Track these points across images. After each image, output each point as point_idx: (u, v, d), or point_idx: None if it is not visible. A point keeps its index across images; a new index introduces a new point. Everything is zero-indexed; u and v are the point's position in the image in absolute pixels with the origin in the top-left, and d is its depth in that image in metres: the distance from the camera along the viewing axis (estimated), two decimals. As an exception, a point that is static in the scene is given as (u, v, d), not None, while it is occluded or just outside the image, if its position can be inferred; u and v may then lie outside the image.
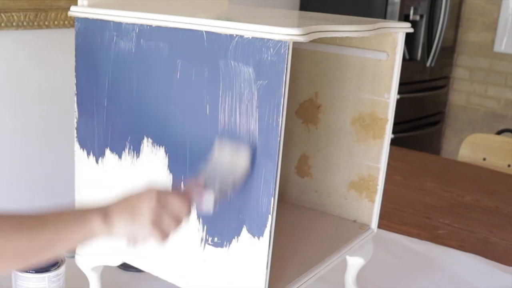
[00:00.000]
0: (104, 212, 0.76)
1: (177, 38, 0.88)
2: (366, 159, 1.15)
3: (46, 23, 2.01)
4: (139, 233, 0.76)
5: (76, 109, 1.04)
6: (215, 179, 0.79)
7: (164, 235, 0.77)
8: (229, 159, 0.81)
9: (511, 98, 3.69)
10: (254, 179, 0.84)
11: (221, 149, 0.82)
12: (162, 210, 0.76)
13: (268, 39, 0.78)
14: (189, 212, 0.79)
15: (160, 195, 0.77)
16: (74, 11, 0.99)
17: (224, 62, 0.84)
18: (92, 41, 0.98)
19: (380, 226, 1.23)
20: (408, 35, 1.09)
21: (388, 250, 1.42)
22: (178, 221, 0.78)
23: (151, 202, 0.76)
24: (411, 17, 3.13)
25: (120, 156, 0.99)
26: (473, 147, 2.31)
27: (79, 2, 0.99)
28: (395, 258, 1.39)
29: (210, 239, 0.90)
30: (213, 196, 0.78)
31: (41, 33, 2.02)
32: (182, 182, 0.86)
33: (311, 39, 0.79)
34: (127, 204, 0.77)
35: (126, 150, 0.98)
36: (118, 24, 0.94)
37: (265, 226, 0.84)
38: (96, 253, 1.07)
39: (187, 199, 0.79)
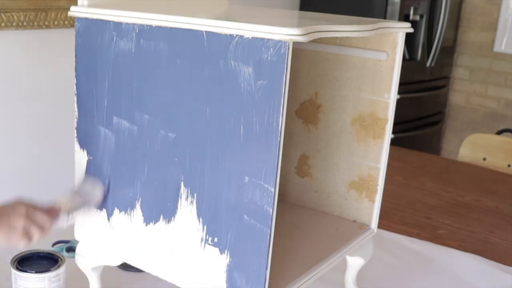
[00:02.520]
0: None
1: (177, 38, 0.88)
2: (366, 159, 1.15)
3: (46, 23, 2.01)
4: (11, 240, 0.92)
5: (76, 109, 1.04)
6: (72, 205, 1.00)
7: (29, 241, 0.94)
8: (88, 191, 1.02)
9: (511, 98, 3.69)
10: (254, 179, 0.84)
11: (83, 182, 1.03)
12: (30, 221, 0.93)
13: (268, 39, 0.79)
14: (50, 224, 0.96)
15: (28, 208, 0.95)
16: (74, 11, 0.99)
17: (224, 62, 0.84)
18: (92, 41, 0.98)
19: (380, 226, 1.23)
20: (408, 35, 1.09)
21: (388, 250, 1.42)
22: (42, 230, 0.95)
23: (22, 214, 0.93)
24: (411, 17, 3.13)
25: (120, 156, 0.99)
26: (473, 147, 2.31)
27: (79, 2, 0.99)
28: (395, 258, 1.39)
29: (210, 239, 0.91)
30: (66, 218, 0.99)
31: (41, 33, 2.03)
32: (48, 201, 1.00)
33: (311, 39, 0.79)
34: (2, 214, 0.93)
35: (126, 150, 0.98)
36: (118, 24, 0.94)
37: (265, 226, 0.84)
38: (96, 253, 1.07)
39: (49, 213, 0.97)
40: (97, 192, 1.02)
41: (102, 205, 1.03)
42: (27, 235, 0.93)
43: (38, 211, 0.95)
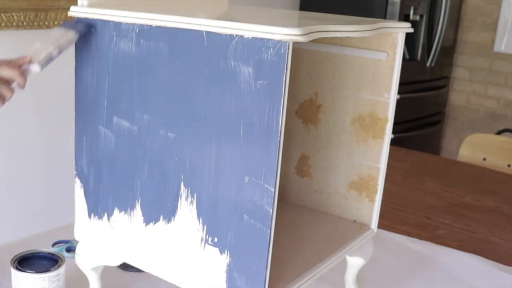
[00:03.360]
0: None
1: (177, 38, 0.88)
2: (366, 159, 1.15)
3: (46, 23, 2.01)
4: None
5: (75, 109, 1.04)
6: (44, 53, 0.93)
7: (2, 101, 0.88)
8: (60, 37, 0.96)
9: (511, 98, 3.69)
10: (254, 179, 0.84)
11: (55, 30, 0.96)
12: None
13: (268, 39, 0.79)
14: (21, 74, 0.89)
15: None
16: (74, 11, 0.99)
17: (224, 62, 0.84)
18: (92, 41, 0.98)
19: (380, 226, 1.23)
20: (408, 35, 1.09)
21: (388, 250, 1.42)
22: (8, 85, 0.88)
23: None
24: (411, 17, 3.13)
25: (120, 156, 0.99)
26: (473, 147, 2.32)
27: (79, 2, 0.99)
28: (395, 258, 1.39)
29: (210, 239, 0.91)
30: (38, 65, 0.92)
31: (41, 33, 2.03)
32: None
33: (311, 39, 0.79)
34: None
35: (126, 150, 0.98)
36: (118, 24, 0.94)
37: (265, 226, 0.84)
38: (96, 253, 1.07)
39: (16, 65, 0.89)
40: (69, 35, 0.96)
41: (101, 203, 1.03)
42: None
43: (2, 66, 0.89)
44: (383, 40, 1.08)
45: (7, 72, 0.88)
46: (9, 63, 0.89)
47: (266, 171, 0.82)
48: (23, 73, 0.90)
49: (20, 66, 0.90)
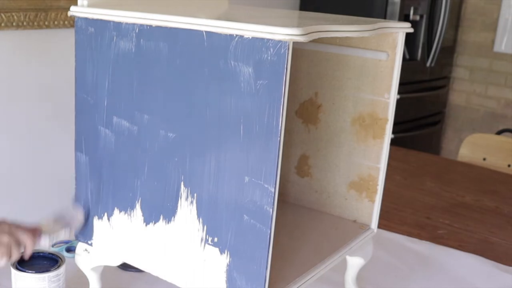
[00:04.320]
0: None
1: (177, 38, 0.88)
2: (366, 159, 1.15)
3: (46, 23, 2.01)
4: None
5: (75, 109, 1.04)
6: (54, 227, 1.03)
7: (9, 258, 0.97)
8: (69, 215, 1.05)
9: (511, 98, 3.69)
10: (254, 179, 0.84)
11: (65, 207, 1.06)
12: (13, 239, 0.96)
13: (268, 39, 0.79)
14: (32, 243, 0.99)
15: (11, 227, 0.98)
16: (74, 11, 0.99)
17: (224, 62, 0.84)
18: (92, 41, 0.98)
19: (380, 226, 1.23)
20: (408, 35, 1.09)
21: (388, 250, 1.42)
22: (23, 248, 0.98)
23: (5, 232, 0.96)
24: (411, 17, 3.13)
25: (120, 156, 0.99)
26: (473, 147, 2.31)
27: (79, 2, 0.99)
28: (395, 258, 1.39)
29: (210, 239, 0.91)
30: (48, 239, 1.02)
31: (41, 33, 2.03)
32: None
33: (311, 39, 0.79)
34: None
35: (126, 150, 0.98)
36: (118, 24, 0.94)
37: (265, 226, 0.84)
38: (96, 253, 1.07)
39: (31, 233, 0.99)
40: (79, 216, 1.05)
41: (102, 203, 1.04)
42: (9, 253, 0.96)
43: (20, 230, 0.98)
44: (383, 40, 1.08)
45: (25, 238, 0.98)
46: (27, 230, 0.99)
47: (266, 171, 0.82)
48: (31, 243, 0.99)
49: (34, 235, 0.99)
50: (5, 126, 1.99)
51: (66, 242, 1.32)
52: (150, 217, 0.97)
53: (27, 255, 1.00)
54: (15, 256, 0.97)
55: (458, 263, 1.39)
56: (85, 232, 1.07)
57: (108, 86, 0.98)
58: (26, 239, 0.98)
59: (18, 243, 0.97)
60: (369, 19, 1.04)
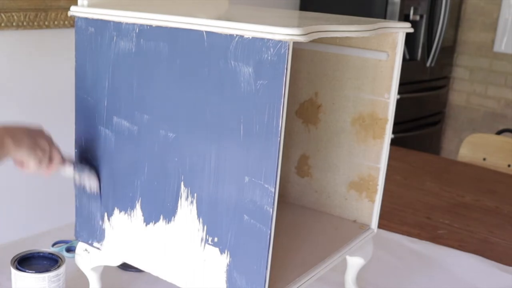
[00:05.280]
0: (11, 133, 0.92)
1: (177, 38, 0.88)
2: (366, 159, 1.15)
3: (46, 23, 2.01)
4: (35, 155, 0.94)
5: (75, 109, 1.04)
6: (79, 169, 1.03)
7: (38, 165, 0.96)
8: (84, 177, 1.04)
9: (511, 98, 3.69)
10: (254, 179, 0.84)
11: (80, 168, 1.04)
12: (48, 149, 0.96)
13: (268, 39, 0.79)
14: (60, 163, 0.99)
15: (50, 139, 0.97)
16: (74, 11, 0.99)
17: (224, 62, 0.84)
18: (92, 41, 0.98)
19: (380, 226, 1.23)
20: (408, 35, 1.09)
21: (388, 250, 1.42)
22: (50, 164, 0.97)
23: (46, 139, 0.96)
24: (411, 17, 3.13)
25: (120, 156, 0.99)
26: (473, 147, 2.31)
27: (79, 2, 0.99)
28: (395, 258, 1.39)
29: (210, 239, 0.91)
30: (72, 171, 1.02)
31: (41, 33, 2.03)
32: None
33: (311, 39, 0.79)
34: (30, 133, 0.94)
35: (126, 150, 0.98)
36: (118, 24, 0.94)
37: (265, 226, 0.84)
38: (96, 253, 1.07)
39: (61, 156, 0.99)
40: (92, 182, 1.04)
41: (102, 203, 1.04)
42: (42, 159, 0.95)
43: (56, 145, 0.98)
44: (383, 40, 1.08)
45: (57, 155, 0.98)
46: (59, 152, 0.99)
47: (266, 171, 0.82)
48: (59, 162, 0.99)
49: (63, 158, 1.00)
50: (5, 126, 1.99)
51: (66, 242, 1.32)
52: (150, 217, 0.97)
53: (49, 172, 0.98)
54: (43, 166, 0.96)
55: (458, 263, 1.39)
56: (86, 232, 1.07)
57: (108, 86, 0.98)
58: (57, 156, 0.98)
59: (51, 157, 0.97)
60: (369, 19, 1.04)
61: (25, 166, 0.96)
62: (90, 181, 1.03)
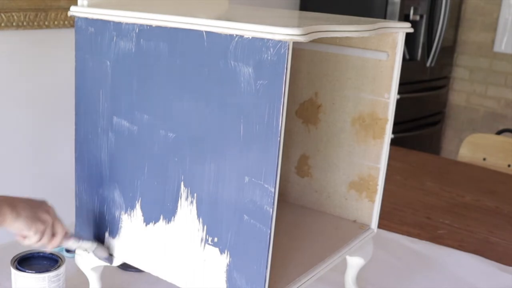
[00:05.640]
0: (11, 203, 0.91)
1: (177, 38, 0.88)
2: (366, 159, 1.15)
3: (46, 23, 2.01)
4: (31, 229, 0.92)
5: (75, 109, 1.04)
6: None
7: (40, 239, 0.94)
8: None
9: (511, 98, 3.69)
10: (254, 179, 0.84)
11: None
12: (53, 222, 0.95)
13: (268, 39, 0.79)
14: (63, 237, 0.98)
15: (53, 212, 0.96)
16: (74, 11, 0.99)
17: (224, 62, 0.84)
18: (92, 41, 0.98)
19: (380, 226, 1.23)
20: (408, 35, 1.09)
21: (388, 250, 1.42)
22: (53, 238, 0.96)
23: (49, 212, 0.95)
24: (411, 17, 3.13)
25: (120, 156, 0.99)
26: (473, 147, 2.31)
27: (79, 2, 0.99)
28: (395, 258, 1.39)
29: (210, 239, 0.91)
30: (75, 243, 1.02)
31: (41, 33, 2.03)
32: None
33: (311, 39, 0.79)
34: (31, 204, 0.93)
35: (126, 150, 0.98)
36: (118, 24, 0.94)
37: (265, 226, 0.84)
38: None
39: (65, 230, 0.98)
40: (100, 253, 1.05)
41: (101, 203, 1.04)
42: (43, 233, 0.94)
43: (59, 219, 0.97)
44: (383, 40, 1.08)
45: (60, 229, 0.97)
46: (62, 225, 0.98)
47: (266, 171, 0.82)
48: (62, 237, 0.98)
49: (66, 232, 0.99)
50: (5, 126, 1.99)
51: (66, 242, 1.31)
52: (150, 217, 0.97)
53: (52, 246, 0.97)
54: (45, 240, 0.95)
55: (458, 263, 1.39)
56: (86, 232, 1.07)
57: (108, 86, 0.98)
58: (60, 230, 0.97)
59: (53, 231, 0.96)
60: (369, 19, 1.04)
61: (26, 238, 0.94)
62: (98, 252, 1.04)
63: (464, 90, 3.87)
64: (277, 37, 0.78)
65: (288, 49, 0.77)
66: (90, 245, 1.03)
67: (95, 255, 1.04)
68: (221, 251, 0.90)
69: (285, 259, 1.01)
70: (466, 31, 3.79)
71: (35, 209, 0.93)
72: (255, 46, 0.80)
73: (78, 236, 1.03)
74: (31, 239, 0.94)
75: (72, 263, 1.13)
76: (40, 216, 0.93)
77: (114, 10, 0.95)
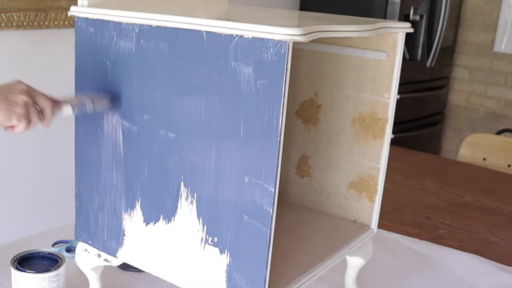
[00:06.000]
0: None
1: (177, 38, 0.88)
2: (366, 159, 1.15)
3: (46, 23, 2.01)
4: (11, 117, 0.85)
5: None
6: (77, 100, 0.96)
7: (29, 123, 0.88)
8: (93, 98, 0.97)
9: (511, 98, 3.69)
10: (254, 179, 0.84)
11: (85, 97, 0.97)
12: (31, 99, 0.87)
13: (268, 39, 0.79)
14: (51, 109, 0.90)
15: (29, 87, 0.88)
16: (74, 11, 0.99)
17: (224, 62, 0.84)
18: (92, 41, 0.98)
19: (380, 226, 1.23)
20: (408, 35, 1.09)
21: (388, 250, 1.42)
22: (42, 113, 0.89)
23: (23, 91, 0.87)
24: (411, 17, 3.13)
25: (120, 156, 0.99)
26: (473, 147, 2.31)
27: (79, 2, 0.99)
28: (395, 258, 1.39)
29: (210, 239, 0.91)
30: (70, 109, 0.94)
31: (41, 33, 2.03)
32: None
33: (311, 39, 0.79)
34: (0, 92, 0.85)
35: (126, 150, 0.98)
36: (118, 24, 0.94)
37: (265, 226, 0.84)
38: (96, 253, 1.07)
39: (51, 99, 0.91)
40: (103, 100, 0.98)
41: (101, 203, 1.03)
42: (27, 115, 0.86)
43: (39, 93, 0.89)
44: (383, 40, 1.08)
45: (44, 102, 0.89)
46: (47, 95, 0.90)
47: (266, 171, 0.82)
48: (51, 109, 0.91)
49: (54, 102, 0.91)
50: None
51: (66, 242, 1.32)
52: (150, 217, 0.97)
53: (46, 122, 0.90)
54: (34, 120, 0.88)
55: (458, 263, 1.39)
56: (86, 232, 1.07)
57: (108, 86, 0.98)
58: (45, 103, 0.89)
59: (37, 107, 0.88)
60: (369, 19, 1.04)
61: (15, 128, 0.87)
62: (99, 102, 0.96)
63: (464, 90, 3.87)
64: (277, 37, 0.78)
65: (288, 49, 0.77)
66: (87, 102, 0.95)
67: (96, 109, 0.96)
68: (221, 251, 0.90)
69: (285, 259, 1.01)
70: (466, 31, 3.79)
71: (7, 95, 0.85)
72: (255, 46, 0.80)
73: (69, 99, 0.94)
74: (19, 127, 0.86)
75: (72, 263, 1.13)
76: (15, 100, 0.85)
77: (114, 10, 0.95)
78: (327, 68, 1.17)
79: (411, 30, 1.06)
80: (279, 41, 0.78)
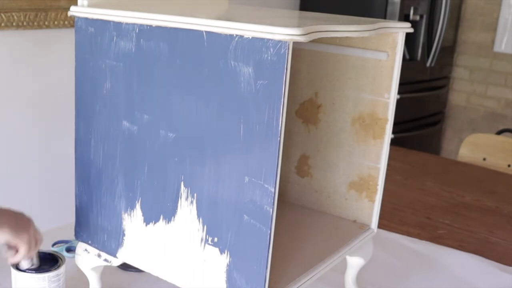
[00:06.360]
0: None
1: (177, 38, 0.88)
2: (366, 159, 1.15)
3: (46, 23, 2.01)
4: (20, 242, 0.95)
5: (75, 109, 1.04)
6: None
7: (28, 257, 0.99)
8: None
9: (511, 98, 3.69)
10: (254, 179, 0.84)
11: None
12: (33, 236, 0.98)
13: (268, 39, 0.79)
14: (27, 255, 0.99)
15: (35, 227, 0.99)
16: (74, 11, 0.99)
17: (224, 62, 0.84)
18: (92, 41, 0.98)
19: (380, 226, 1.23)
20: (408, 35, 1.09)
21: (388, 250, 1.42)
22: (30, 250, 0.98)
23: (32, 228, 0.98)
24: (411, 17, 3.13)
25: (120, 156, 0.99)
26: (473, 147, 2.31)
27: (79, 2, 0.99)
28: (395, 258, 1.39)
29: (210, 239, 0.91)
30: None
31: (41, 33, 2.03)
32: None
33: (311, 39, 0.79)
34: (15, 217, 0.97)
35: (126, 150, 0.98)
36: (118, 24, 0.94)
37: (265, 226, 0.84)
38: (96, 253, 1.07)
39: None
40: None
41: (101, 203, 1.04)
42: (30, 251, 0.98)
43: (38, 233, 1.00)
44: (383, 40, 1.08)
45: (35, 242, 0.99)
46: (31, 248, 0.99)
47: (266, 171, 0.82)
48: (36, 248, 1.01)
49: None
50: (4, 126, 1.99)
51: (66, 242, 1.32)
52: (150, 217, 0.97)
53: (14, 261, 1.00)
54: (32, 250, 0.99)
55: (458, 263, 1.39)
56: (86, 232, 1.07)
57: (108, 86, 0.98)
58: (39, 238, 1.01)
59: (33, 243, 0.99)
60: (369, 19, 1.04)
61: (16, 251, 0.97)
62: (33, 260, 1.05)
63: (464, 90, 3.87)
64: (277, 37, 0.78)
65: (288, 49, 0.77)
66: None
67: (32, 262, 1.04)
68: (221, 251, 0.90)
69: (285, 259, 1.01)
70: (466, 31, 3.79)
71: (16, 224, 0.96)
72: (255, 46, 0.80)
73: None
74: (20, 250, 0.96)
75: (72, 263, 1.13)
76: (23, 225, 0.96)
77: (114, 10, 0.95)
78: (327, 68, 1.17)
79: (411, 30, 1.06)
80: (279, 41, 0.78)
